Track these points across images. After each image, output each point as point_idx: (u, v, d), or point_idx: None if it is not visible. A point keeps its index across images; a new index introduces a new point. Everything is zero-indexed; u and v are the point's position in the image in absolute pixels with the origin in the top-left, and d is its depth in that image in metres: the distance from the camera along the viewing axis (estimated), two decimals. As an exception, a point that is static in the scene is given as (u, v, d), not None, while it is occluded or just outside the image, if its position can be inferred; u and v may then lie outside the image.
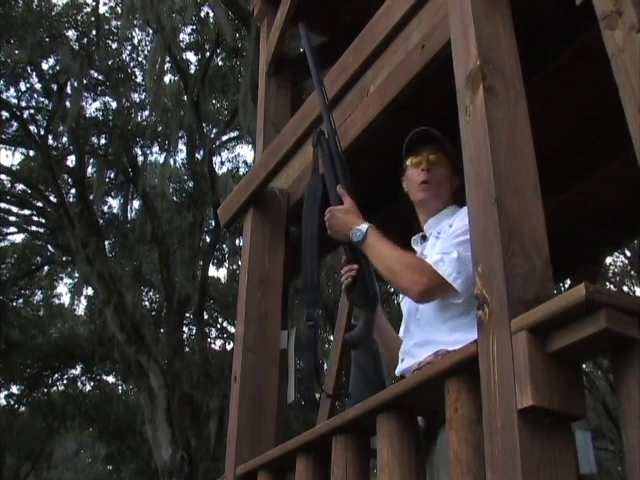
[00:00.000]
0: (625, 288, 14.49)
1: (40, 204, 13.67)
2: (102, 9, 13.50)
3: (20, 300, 16.99)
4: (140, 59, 13.95)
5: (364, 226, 2.01)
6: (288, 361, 2.83)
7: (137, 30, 13.49)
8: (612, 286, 14.11)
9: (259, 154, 3.37)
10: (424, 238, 2.13)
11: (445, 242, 1.92)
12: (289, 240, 3.03)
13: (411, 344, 2.01)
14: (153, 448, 11.32)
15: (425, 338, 1.95)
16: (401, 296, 2.27)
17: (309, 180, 2.30)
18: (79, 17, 13.36)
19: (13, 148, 14.01)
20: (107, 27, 13.53)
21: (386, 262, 1.93)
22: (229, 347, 16.63)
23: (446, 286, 1.83)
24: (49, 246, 15.23)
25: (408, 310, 2.11)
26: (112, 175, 14.43)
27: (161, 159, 13.84)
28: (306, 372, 2.08)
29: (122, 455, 18.13)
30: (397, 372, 2.05)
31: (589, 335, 1.25)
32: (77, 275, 15.16)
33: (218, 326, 17.81)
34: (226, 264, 16.34)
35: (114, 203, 15.06)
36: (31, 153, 13.79)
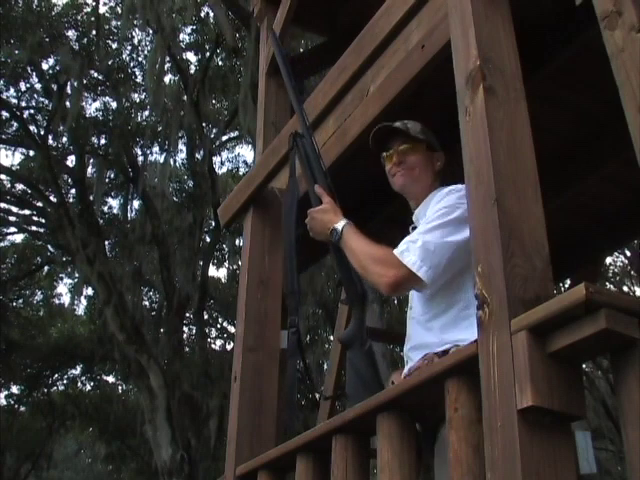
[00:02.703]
0: (625, 288, 14.49)
1: (40, 204, 13.67)
2: (102, 9, 13.52)
3: (20, 300, 16.99)
4: (140, 59, 13.96)
5: (340, 224, 2.00)
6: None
7: (137, 30, 13.49)
8: (612, 286, 14.11)
9: (259, 154, 3.36)
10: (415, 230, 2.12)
11: (415, 232, 1.92)
12: (289, 240, 3.02)
13: (408, 347, 2.01)
14: (153, 448, 11.33)
15: (417, 341, 1.96)
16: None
17: (287, 184, 2.30)
18: (79, 17, 13.36)
19: (13, 148, 14.02)
20: (107, 27, 13.53)
21: (357, 258, 1.92)
22: (229, 347, 16.63)
23: (413, 276, 1.81)
24: (49, 246, 15.22)
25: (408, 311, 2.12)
26: (112, 175, 14.44)
27: (161, 159, 13.84)
28: (289, 379, 2.08)
29: (122, 455, 18.13)
30: (402, 376, 2.05)
31: (589, 335, 1.25)
32: (77, 275, 15.16)
33: (218, 326, 17.82)
34: (226, 264, 16.37)
35: (114, 203, 15.09)
36: (31, 153, 13.80)
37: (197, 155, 14.03)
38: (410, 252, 1.82)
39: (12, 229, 14.98)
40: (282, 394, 2.77)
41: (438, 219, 1.86)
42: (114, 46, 13.62)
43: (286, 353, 2.80)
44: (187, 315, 14.89)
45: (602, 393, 13.42)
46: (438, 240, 1.82)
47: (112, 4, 13.59)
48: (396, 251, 1.86)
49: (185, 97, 12.87)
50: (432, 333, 1.89)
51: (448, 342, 1.81)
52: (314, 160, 2.17)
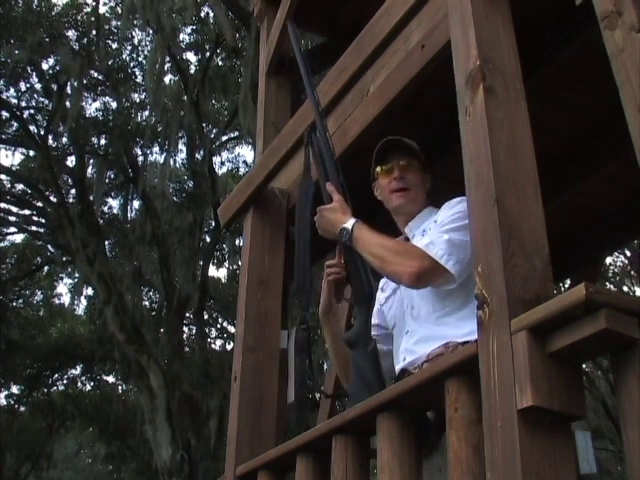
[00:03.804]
0: (625, 288, 14.49)
1: (40, 204, 13.67)
2: (102, 9, 13.51)
3: (20, 300, 16.98)
4: (140, 59, 13.96)
5: (350, 223, 1.99)
6: (288, 361, 2.83)
7: (137, 30, 13.49)
8: (612, 286, 14.11)
9: (259, 154, 3.37)
10: (407, 240, 2.13)
11: (434, 231, 1.93)
12: (289, 240, 3.03)
13: (412, 342, 2.00)
14: (153, 448, 11.33)
15: (427, 334, 1.94)
16: (390, 300, 2.24)
17: (300, 181, 2.30)
18: (79, 17, 13.36)
19: (13, 148, 14.01)
20: (107, 27, 13.53)
21: (374, 251, 1.92)
22: (229, 347, 16.63)
23: (439, 269, 1.82)
24: (49, 246, 15.22)
25: (402, 310, 2.10)
26: (112, 175, 14.43)
27: (161, 159, 13.83)
28: (299, 375, 2.09)
29: (122, 455, 18.12)
30: (398, 369, 2.04)
31: (589, 335, 1.25)
32: (77, 275, 15.16)
33: (218, 326, 17.82)
34: (226, 264, 16.36)
35: (114, 203, 15.09)
36: (31, 153, 13.80)
37: (197, 155, 14.03)
38: (436, 246, 1.84)
39: (12, 229, 14.98)
40: (282, 394, 2.78)
41: (456, 221, 1.89)
42: (114, 46, 13.63)
43: (288, 351, 2.81)
44: (187, 315, 14.89)
45: (602, 393, 13.41)
46: (462, 237, 1.83)
47: (112, 4, 13.61)
48: (420, 244, 1.88)
49: (185, 97, 12.87)
50: (449, 326, 1.89)
51: (472, 331, 1.79)
52: (327, 157, 2.16)
